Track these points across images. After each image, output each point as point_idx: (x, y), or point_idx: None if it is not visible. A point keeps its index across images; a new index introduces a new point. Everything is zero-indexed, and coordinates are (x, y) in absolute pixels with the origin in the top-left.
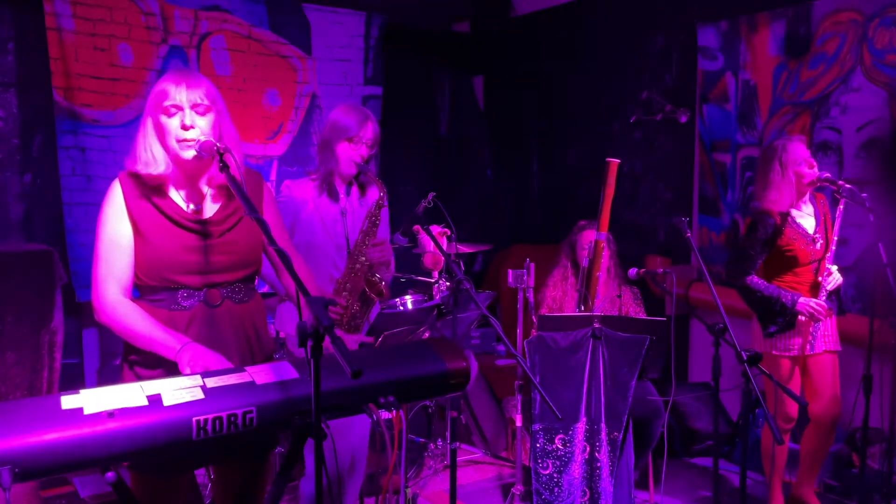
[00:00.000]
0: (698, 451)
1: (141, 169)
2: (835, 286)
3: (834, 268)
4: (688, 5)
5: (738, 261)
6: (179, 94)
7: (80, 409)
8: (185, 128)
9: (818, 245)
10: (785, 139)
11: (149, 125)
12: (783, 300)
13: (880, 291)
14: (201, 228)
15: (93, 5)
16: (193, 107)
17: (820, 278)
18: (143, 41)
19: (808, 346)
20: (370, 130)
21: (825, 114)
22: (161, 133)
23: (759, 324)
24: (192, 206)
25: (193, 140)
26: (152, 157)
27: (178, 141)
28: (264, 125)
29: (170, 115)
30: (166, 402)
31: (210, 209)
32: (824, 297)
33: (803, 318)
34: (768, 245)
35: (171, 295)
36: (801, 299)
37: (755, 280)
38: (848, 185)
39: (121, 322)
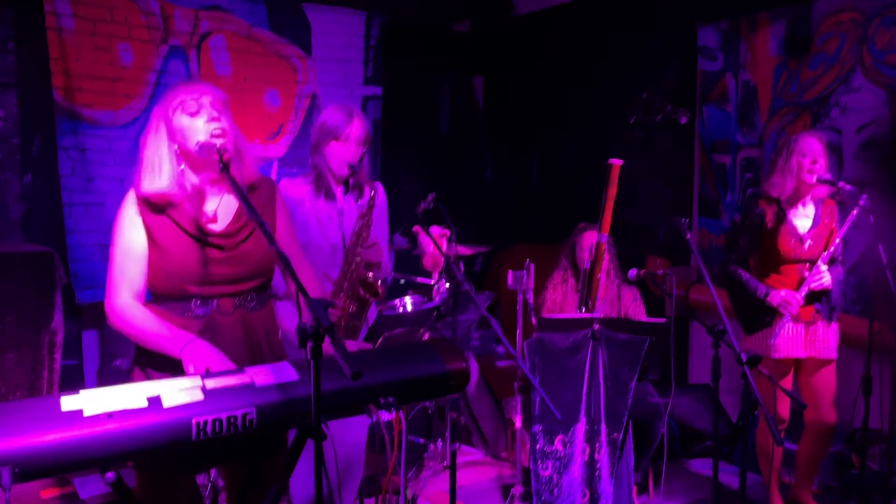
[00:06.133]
0: (698, 452)
1: (146, 187)
2: (819, 285)
3: (825, 267)
4: (688, 5)
5: (727, 250)
6: (201, 97)
7: (80, 411)
8: (214, 119)
9: (806, 246)
10: (803, 132)
11: (162, 133)
12: (758, 293)
13: (880, 293)
14: (216, 241)
15: (93, 5)
16: (213, 105)
17: (806, 274)
18: (143, 41)
19: (772, 349)
20: (357, 128)
21: (825, 114)
22: (182, 136)
23: (739, 321)
24: (205, 219)
25: (222, 130)
26: (158, 171)
27: (211, 134)
28: (264, 125)
29: (193, 116)
30: (166, 403)
31: (223, 221)
32: (804, 292)
33: (782, 312)
34: (755, 236)
35: (185, 304)
36: (774, 291)
37: (739, 270)
38: (848, 187)
39: (130, 324)
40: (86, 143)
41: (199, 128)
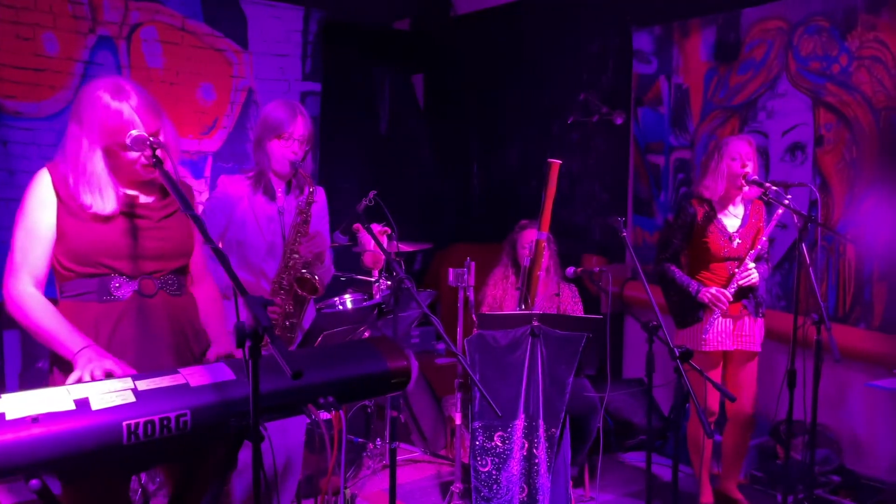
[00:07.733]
0: (631, 445)
1: (88, 205)
2: (748, 282)
3: (752, 265)
4: (623, 10)
5: (661, 247)
6: (140, 129)
7: (2, 415)
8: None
9: (735, 244)
10: (734, 136)
11: (98, 157)
12: (690, 289)
13: (803, 290)
14: (138, 213)
15: None
16: (153, 135)
17: (735, 271)
18: (69, 31)
19: (702, 343)
20: (300, 126)
21: (753, 118)
22: (117, 162)
23: (671, 315)
24: (127, 193)
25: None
26: (99, 198)
27: (142, 166)
28: (199, 120)
29: (125, 152)
30: (94, 405)
31: (147, 196)
32: (732, 289)
33: (712, 308)
34: (687, 234)
35: (103, 283)
36: (704, 289)
37: (672, 267)
38: (774, 188)
39: (27, 315)
40: (8, 135)
41: (136, 162)
